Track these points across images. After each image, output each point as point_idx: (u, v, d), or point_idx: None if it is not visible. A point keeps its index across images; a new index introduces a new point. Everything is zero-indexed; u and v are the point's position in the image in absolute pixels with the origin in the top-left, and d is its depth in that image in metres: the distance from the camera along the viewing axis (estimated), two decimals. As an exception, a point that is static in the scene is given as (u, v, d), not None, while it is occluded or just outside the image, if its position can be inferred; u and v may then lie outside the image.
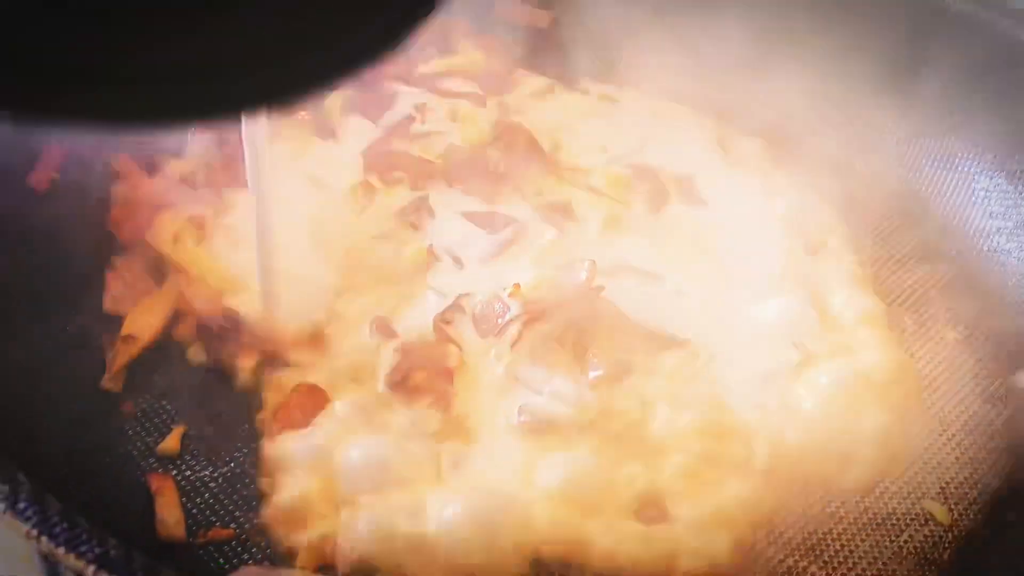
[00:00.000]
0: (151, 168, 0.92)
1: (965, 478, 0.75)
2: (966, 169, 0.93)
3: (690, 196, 0.91)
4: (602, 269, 0.82)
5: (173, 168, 0.93)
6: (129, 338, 0.81)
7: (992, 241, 0.89)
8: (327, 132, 0.99)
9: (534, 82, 1.04)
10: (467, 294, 0.82)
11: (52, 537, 0.55)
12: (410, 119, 0.98)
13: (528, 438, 0.74)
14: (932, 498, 0.74)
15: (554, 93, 1.04)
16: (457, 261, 0.86)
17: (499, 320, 0.79)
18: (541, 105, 1.02)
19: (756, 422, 0.75)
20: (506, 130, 0.97)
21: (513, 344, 0.78)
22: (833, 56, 0.95)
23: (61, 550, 0.54)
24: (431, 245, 0.87)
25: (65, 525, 0.56)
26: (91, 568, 0.55)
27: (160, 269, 0.86)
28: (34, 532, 0.54)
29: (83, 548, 0.56)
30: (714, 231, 0.88)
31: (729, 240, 0.87)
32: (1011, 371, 0.80)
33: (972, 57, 0.91)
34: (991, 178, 0.91)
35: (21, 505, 0.56)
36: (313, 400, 0.77)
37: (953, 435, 0.77)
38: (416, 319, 0.82)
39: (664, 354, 0.78)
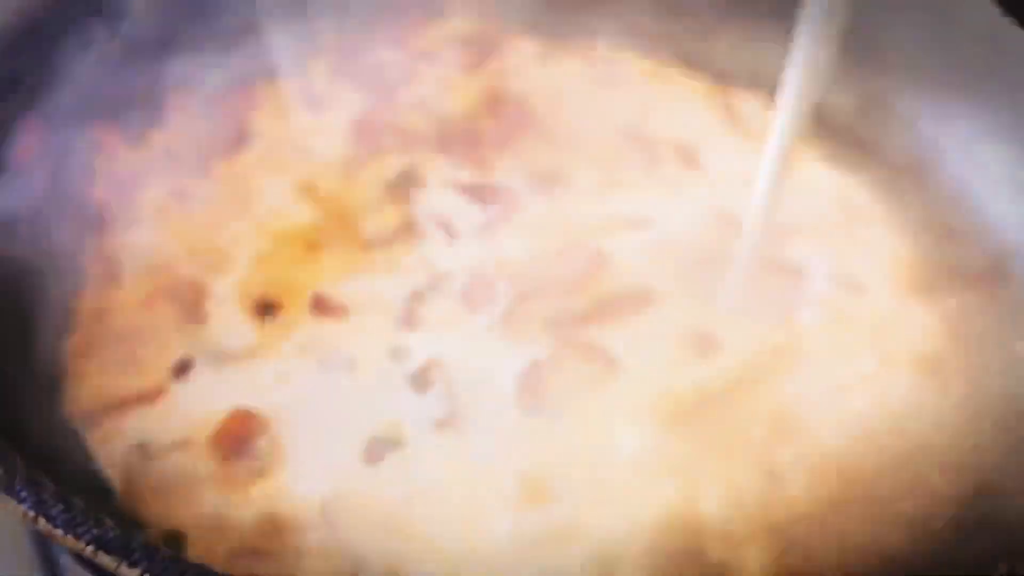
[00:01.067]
0: (134, 139, 0.90)
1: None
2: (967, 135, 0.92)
3: (690, 162, 0.90)
4: (594, 227, 0.82)
5: (156, 139, 0.91)
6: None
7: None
8: (313, 101, 0.97)
9: (527, 47, 1.02)
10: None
11: (49, 519, 0.53)
12: (399, 87, 0.97)
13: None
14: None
15: (549, 58, 1.01)
16: (449, 232, 0.84)
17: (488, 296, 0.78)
18: (535, 71, 0.99)
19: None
20: (498, 98, 0.95)
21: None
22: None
23: (59, 532, 0.53)
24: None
25: (62, 507, 0.54)
26: (89, 548, 0.54)
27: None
28: (31, 514, 0.53)
29: (80, 529, 0.54)
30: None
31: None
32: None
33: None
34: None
35: (17, 487, 0.54)
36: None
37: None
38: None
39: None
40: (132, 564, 0.53)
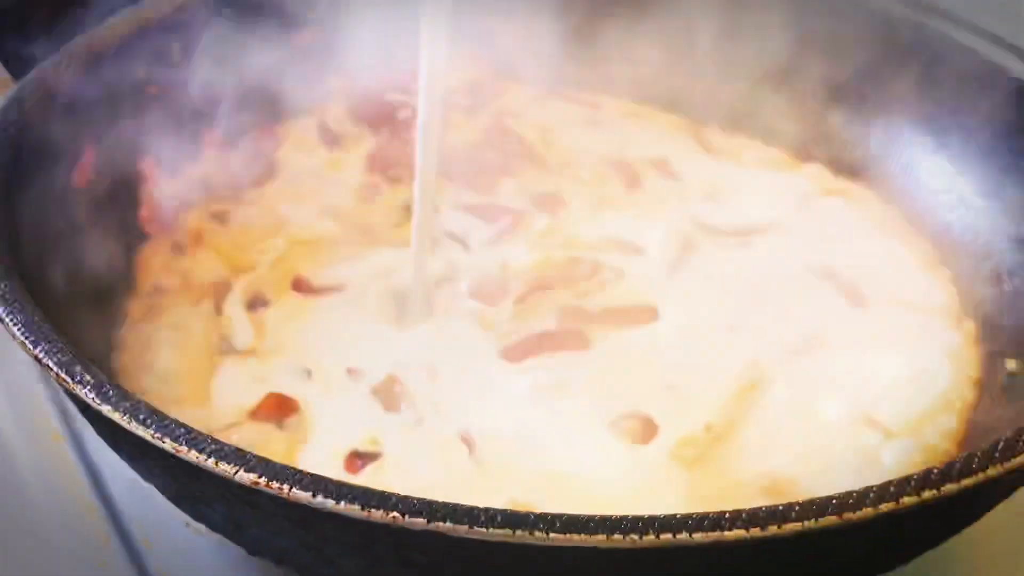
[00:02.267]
0: (173, 170, 1.01)
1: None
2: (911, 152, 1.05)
3: (665, 173, 1.02)
4: (588, 243, 0.93)
5: (192, 170, 1.02)
6: None
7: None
8: (332, 140, 1.08)
9: (522, 92, 1.14)
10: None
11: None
12: (408, 125, 1.08)
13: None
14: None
15: (541, 101, 1.13)
16: (462, 244, 0.95)
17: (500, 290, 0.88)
18: (530, 112, 1.11)
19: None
20: (498, 134, 1.07)
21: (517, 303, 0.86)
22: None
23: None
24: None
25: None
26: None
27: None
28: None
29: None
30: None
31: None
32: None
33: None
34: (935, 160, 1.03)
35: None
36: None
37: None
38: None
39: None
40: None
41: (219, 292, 0.90)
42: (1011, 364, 0.84)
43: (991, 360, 0.86)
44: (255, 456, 0.53)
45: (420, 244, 0.85)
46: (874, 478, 0.71)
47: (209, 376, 0.82)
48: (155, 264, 0.93)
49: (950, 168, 1.01)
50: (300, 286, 0.89)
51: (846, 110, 1.08)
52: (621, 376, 0.80)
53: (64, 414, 0.90)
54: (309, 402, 0.78)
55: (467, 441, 0.74)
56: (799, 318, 0.86)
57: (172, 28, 1.01)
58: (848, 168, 1.06)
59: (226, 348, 0.85)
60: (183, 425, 0.55)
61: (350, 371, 0.80)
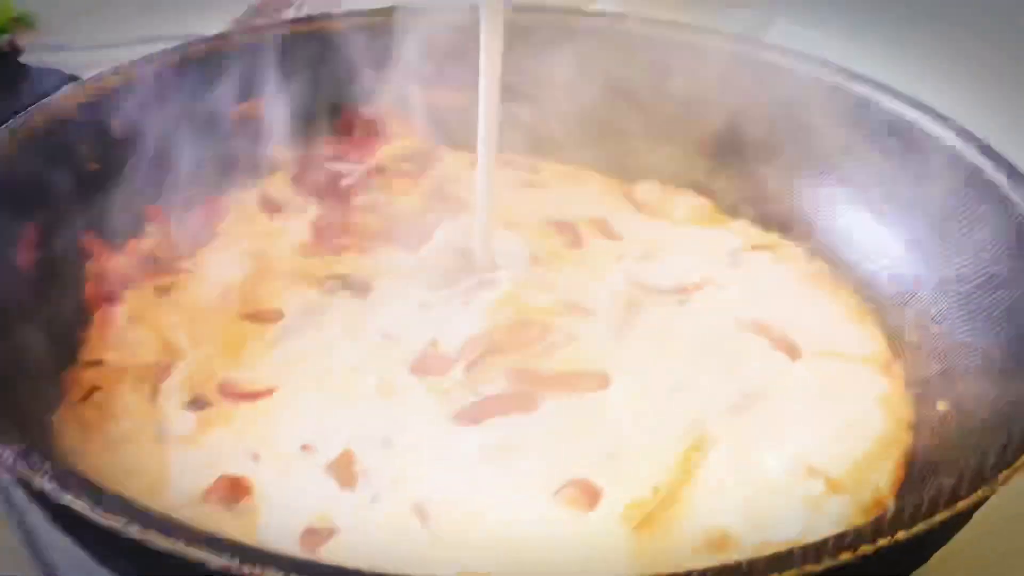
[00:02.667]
0: (115, 247, 1.01)
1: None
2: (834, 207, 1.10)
3: (604, 232, 1.06)
4: (537, 307, 0.95)
5: (136, 245, 1.02)
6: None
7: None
8: (273, 207, 1.10)
9: (460, 158, 1.17)
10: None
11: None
12: (351, 193, 1.10)
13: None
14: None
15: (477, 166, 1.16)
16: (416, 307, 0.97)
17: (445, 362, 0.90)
18: (468, 177, 1.14)
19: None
20: (440, 200, 1.10)
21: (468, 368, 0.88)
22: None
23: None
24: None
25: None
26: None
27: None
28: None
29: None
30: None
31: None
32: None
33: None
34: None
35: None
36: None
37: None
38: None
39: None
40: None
41: (158, 376, 0.90)
42: (942, 406, 0.88)
43: (923, 403, 0.90)
44: (228, 540, 0.54)
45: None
46: (820, 528, 0.75)
47: (153, 460, 0.81)
48: (95, 343, 0.92)
49: (871, 220, 1.06)
50: (230, 392, 0.88)
51: (771, 168, 1.13)
52: (568, 441, 0.81)
53: (4, 491, 0.88)
54: (262, 482, 0.78)
55: (420, 512, 0.75)
56: (738, 375, 0.89)
57: (113, 103, 1.02)
58: (775, 223, 1.11)
59: (167, 436, 0.84)
60: (151, 511, 0.56)
61: (304, 447, 0.81)
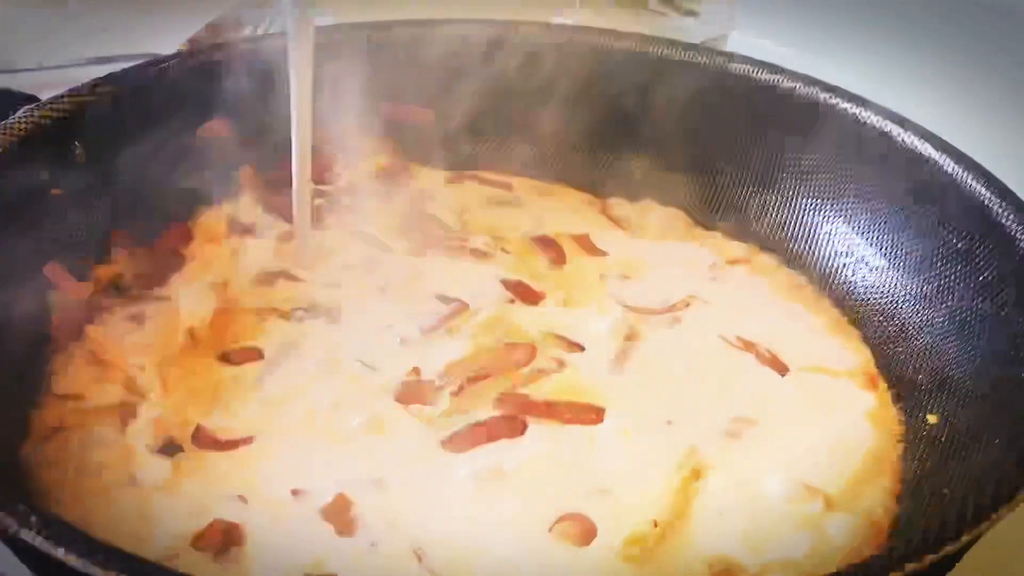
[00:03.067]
0: (80, 275, 0.97)
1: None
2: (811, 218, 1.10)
3: (589, 249, 1.05)
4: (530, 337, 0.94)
5: (101, 273, 0.98)
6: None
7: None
8: (242, 229, 1.07)
9: (431, 175, 1.15)
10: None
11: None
12: (326, 216, 1.07)
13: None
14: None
15: (454, 183, 1.14)
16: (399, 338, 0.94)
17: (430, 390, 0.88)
18: (443, 194, 1.12)
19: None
20: (416, 218, 1.08)
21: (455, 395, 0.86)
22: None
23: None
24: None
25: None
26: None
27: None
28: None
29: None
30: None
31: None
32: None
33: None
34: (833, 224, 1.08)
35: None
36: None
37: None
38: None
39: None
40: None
41: (123, 418, 0.86)
42: (931, 418, 0.89)
43: (911, 416, 0.90)
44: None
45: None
46: (822, 547, 0.75)
47: (130, 505, 0.77)
48: (61, 380, 0.89)
49: (849, 231, 1.07)
50: (206, 441, 0.84)
51: (748, 181, 1.13)
52: (562, 474, 0.80)
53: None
54: (254, 528, 0.75)
55: (419, 554, 0.73)
56: (730, 397, 0.89)
57: (73, 127, 0.99)
58: (752, 235, 1.11)
59: (141, 481, 0.80)
60: (147, 562, 0.53)
61: (294, 492, 0.78)
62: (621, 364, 0.91)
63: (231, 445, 0.82)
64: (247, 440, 0.83)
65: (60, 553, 0.52)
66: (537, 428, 0.85)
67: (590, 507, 0.77)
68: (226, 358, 0.91)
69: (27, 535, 0.55)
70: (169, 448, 0.83)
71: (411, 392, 0.87)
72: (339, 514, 0.75)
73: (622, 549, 0.74)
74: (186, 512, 0.75)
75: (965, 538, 0.61)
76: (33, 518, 0.56)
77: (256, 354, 0.91)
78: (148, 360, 0.91)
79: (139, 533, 0.73)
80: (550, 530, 0.76)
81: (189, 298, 0.97)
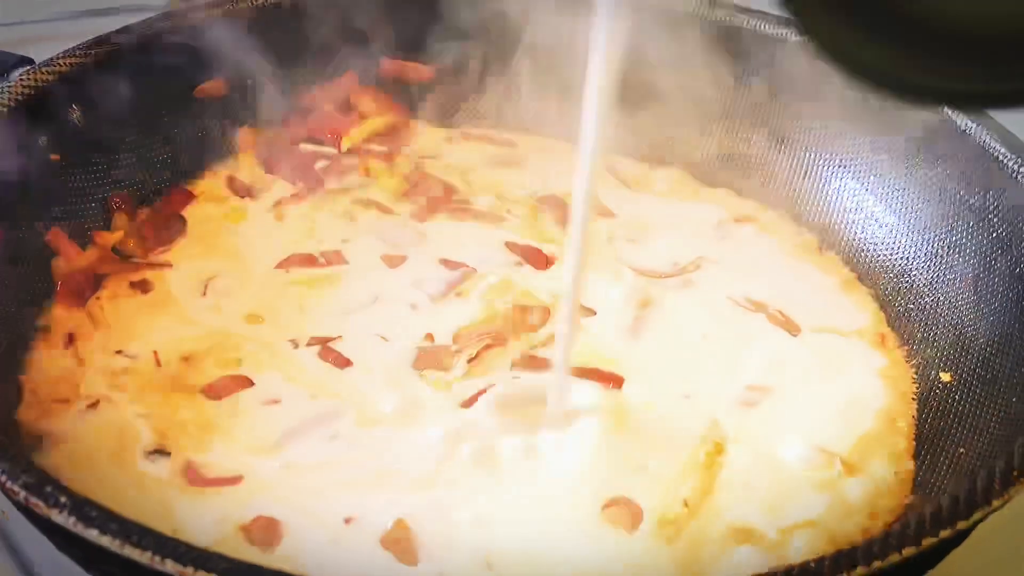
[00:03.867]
0: (83, 241, 0.95)
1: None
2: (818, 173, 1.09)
3: (597, 209, 1.02)
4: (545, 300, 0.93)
5: (103, 239, 0.97)
6: None
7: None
8: (243, 191, 1.05)
9: (433, 133, 1.13)
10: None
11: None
12: (325, 177, 1.06)
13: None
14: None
15: (453, 141, 1.13)
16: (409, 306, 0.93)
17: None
18: (445, 154, 1.11)
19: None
20: (420, 180, 1.06)
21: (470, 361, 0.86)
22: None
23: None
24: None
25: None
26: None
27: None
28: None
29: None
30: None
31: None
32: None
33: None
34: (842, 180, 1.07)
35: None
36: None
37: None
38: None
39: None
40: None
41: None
42: (945, 376, 0.89)
43: (924, 374, 0.90)
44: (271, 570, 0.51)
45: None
46: (838, 509, 0.75)
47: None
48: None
49: (858, 187, 1.06)
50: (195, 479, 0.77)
51: (755, 138, 1.11)
52: (600, 455, 0.78)
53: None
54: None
55: (489, 564, 0.71)
56: (745, 363, 0.88)
57: (70, 90, 0.96)
58: (760, 193, 1.10)
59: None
60: (185, 544, 0.52)
61: (347, 520, 0.74)
62: (636, 331, 0.90)
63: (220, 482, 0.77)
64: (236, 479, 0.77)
65: (104, 540, 0.51)
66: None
67: (633, 487, 0.76)
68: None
69: (60, 519, 0.54)
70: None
71: (428, 358, 0.87)
72: (399, 541, 0.72)
73: (657, 531, 0.74)
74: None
75: (996, 502, 0.61)
76: (65, 500, 0.55)
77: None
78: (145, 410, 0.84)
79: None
80: (601, 515, 0.75)
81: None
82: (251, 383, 0.84)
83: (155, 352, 0.86)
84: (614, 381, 0.85)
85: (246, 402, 0.83)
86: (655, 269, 0.97)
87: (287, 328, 0.90)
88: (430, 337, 0.88)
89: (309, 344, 0.88)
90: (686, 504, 0.75)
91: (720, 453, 0.79)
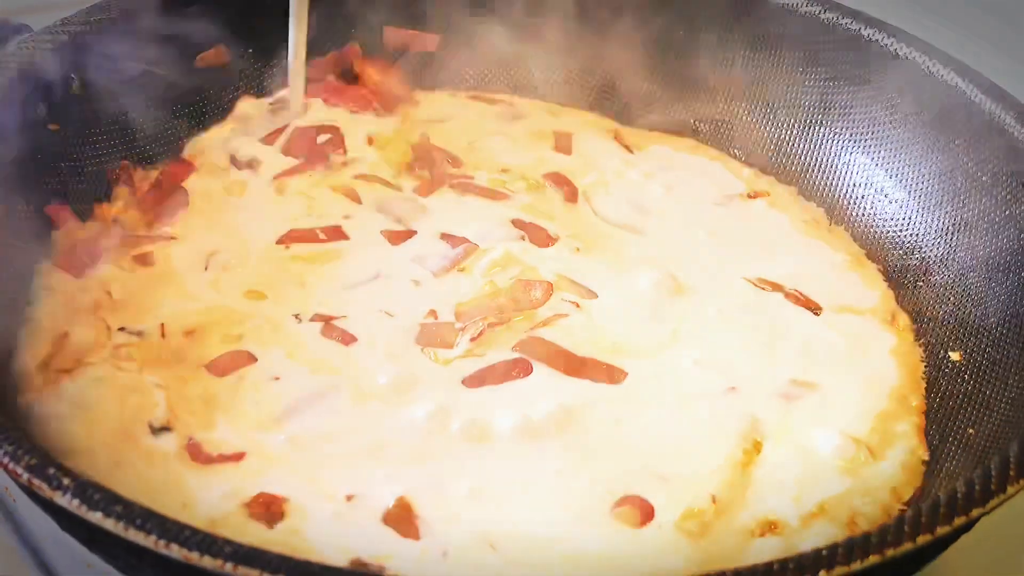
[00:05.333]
0: (83, 214, 0.94)
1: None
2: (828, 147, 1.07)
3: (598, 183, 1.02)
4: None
5: (104, 211, 0.95)
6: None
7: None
8: (244, 163, 1.03)
9: (437, 100, 1.12)
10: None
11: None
12: (329, 148, 1.04)
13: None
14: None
15: (460, 106, 1.11)
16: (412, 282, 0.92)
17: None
18: (449, 123, 1.09)
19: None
20: (424, 150, 1.04)
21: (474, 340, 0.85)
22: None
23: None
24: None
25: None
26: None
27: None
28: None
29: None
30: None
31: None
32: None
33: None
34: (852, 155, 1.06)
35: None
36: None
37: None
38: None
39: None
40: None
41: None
42: (954, 356, 0.88)
43: (934, 354, 0.89)
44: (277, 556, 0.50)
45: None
46: (857, 490, 0.75)
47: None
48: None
49: (868, 163, 1.04)
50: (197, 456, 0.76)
51: (764, 111, 1.10)
52: (617, 453, 0.77)
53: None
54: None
55: (492, 545, 0.71)
56: (778, 351, 0.87)
57: (70, 58, 0.94)
58: (770, 167, 1.08)
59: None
60: (190, 528, 0.52)
61: (349, 498, 0.73)
62: (659, 318, 0.89)
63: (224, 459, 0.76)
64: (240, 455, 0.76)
65: (108, 523, 0.51)
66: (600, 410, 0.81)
67: (649, 486, 0.75)
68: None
69: (63, 501, 0.53)
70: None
71: (431, 334, 0.86)
72: (401, 518, 0.72)
73: (679, 523, 0.73)
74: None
75: (1012, 489, 0.60)
76: (68, 482, 0.54)
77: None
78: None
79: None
80: (611, 512, 0.74)
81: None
82: (254, 359, 0.83)
83: (162, 325, 0.85)
84: (609, 376, 0.83)
85: (249, 378, 0.82)
86: (667, 254, 0.95)
87: (289, 304, 0.88)
88: (433, 313, 0.88)
89: (312, 320, 0.87)
90: (714, 500, 0.74)
91: (759, 451, 0.78)
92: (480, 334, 0.85)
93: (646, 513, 0.73)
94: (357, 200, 0.99)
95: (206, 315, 0.87)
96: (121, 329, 0.85)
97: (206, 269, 0.92)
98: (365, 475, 0.74)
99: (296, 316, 0.87)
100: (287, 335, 0.86)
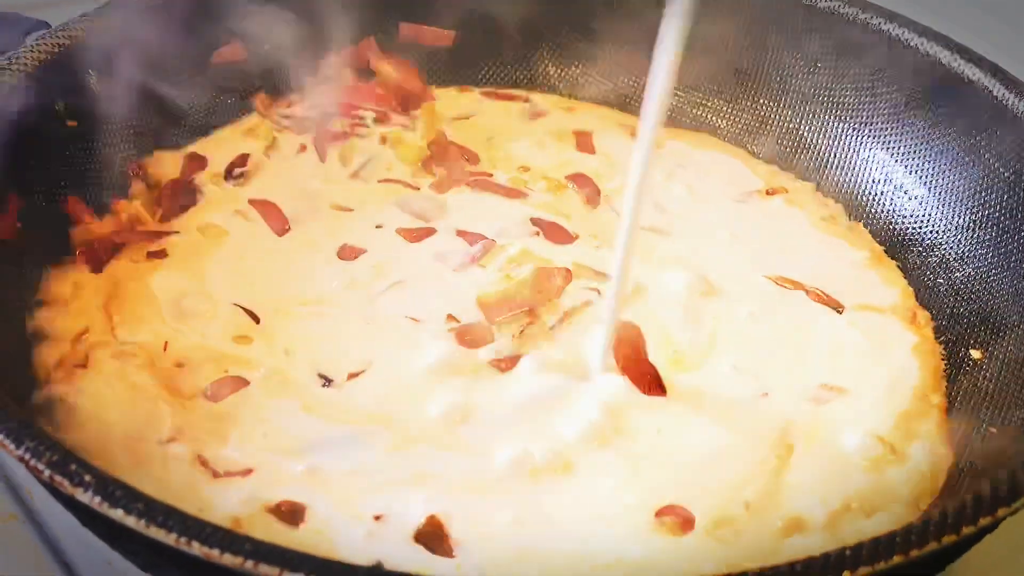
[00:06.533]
0: (100, 210, 0.94)
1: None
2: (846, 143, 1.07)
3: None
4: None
5: (121, 208, 0.95)
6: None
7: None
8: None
9: (454, 97, 1.11)
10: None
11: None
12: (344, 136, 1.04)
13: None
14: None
15: (477, 102, 1.11)
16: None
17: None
18: (467, 120, 1.09)
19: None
20: (440, 147, 1.04)
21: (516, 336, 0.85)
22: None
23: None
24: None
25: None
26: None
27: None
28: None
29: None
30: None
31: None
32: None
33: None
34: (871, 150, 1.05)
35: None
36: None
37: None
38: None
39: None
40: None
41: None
42: (975, 354, 0.87)
43: (955, 352, 0.89)
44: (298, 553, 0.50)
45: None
46: (880, 487, 0.74)
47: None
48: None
49: (887, 159, 1.04)
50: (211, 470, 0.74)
51: (783, 105, 1.09)
52: (656, 464, 0.77)
53: (14, 491, 0.81)
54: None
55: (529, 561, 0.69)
56: (806, 354, 0.86)
57: (88, 54, 0.94)
58: (788, 163, 1.08)
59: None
60: (212, 525, 0.51)
61: (377, 518, 0.71)
62: (697, 320, 0.88)
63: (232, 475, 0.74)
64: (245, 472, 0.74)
65: (129, 520, 0.51)
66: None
67: (688, 495, 0.74)
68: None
69: (85, 498, 0.53)
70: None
71: (470, 336, 0.85)
72: (432, 536, 0.70)
73: (714, 531, 0.72)
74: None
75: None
76: (89, 479, 0.54)
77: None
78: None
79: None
80: (654, 521, 0.73)
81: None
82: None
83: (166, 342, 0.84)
84: (652, 387, 0.81)
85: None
86: (682, 255, 0.94)
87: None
88: (452, 318, 0.87)
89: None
90: (747, 507, 0.73)
91: (790, 455, 0.77)
92: (520, 333, 0.84)
93: (687, 522, 0.72)
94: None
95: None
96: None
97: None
98: (399, 498, 0.72)
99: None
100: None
